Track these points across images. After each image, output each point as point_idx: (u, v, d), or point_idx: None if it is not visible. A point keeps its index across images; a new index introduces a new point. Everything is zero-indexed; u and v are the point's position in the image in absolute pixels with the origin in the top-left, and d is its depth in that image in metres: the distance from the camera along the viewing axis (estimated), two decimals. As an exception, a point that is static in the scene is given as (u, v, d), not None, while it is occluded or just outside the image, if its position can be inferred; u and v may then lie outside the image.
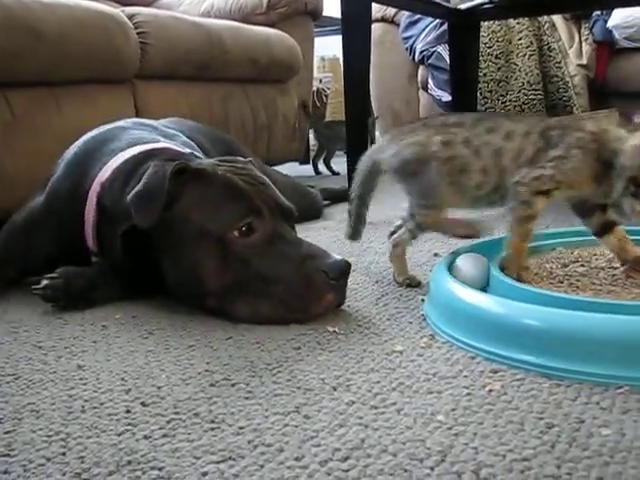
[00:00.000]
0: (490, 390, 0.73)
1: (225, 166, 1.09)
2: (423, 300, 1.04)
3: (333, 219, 1.90)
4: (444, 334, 0.89)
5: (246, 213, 1.01)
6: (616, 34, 3.05)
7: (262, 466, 0.59)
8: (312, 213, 1.96)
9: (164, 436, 0.65)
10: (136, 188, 1.03)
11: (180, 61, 2.39)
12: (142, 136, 1.23)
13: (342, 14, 1.76)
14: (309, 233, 1.68)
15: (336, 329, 0.94)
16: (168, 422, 0.68)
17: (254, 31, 2.76)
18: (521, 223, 0.99)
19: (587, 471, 0.56)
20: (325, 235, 1.67)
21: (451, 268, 1.02)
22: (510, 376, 0.76)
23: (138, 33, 2.22)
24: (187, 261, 1.02)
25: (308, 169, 3.65)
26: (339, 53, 5.32)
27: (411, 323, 0.96)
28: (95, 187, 1.14)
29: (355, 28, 1.77)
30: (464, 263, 1.02)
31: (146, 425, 0.67)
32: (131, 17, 2.24)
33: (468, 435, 0.63)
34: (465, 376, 0.76)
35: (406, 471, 0.57)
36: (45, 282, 1.10)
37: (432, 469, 0.57)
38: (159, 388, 0.76)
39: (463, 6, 2.40)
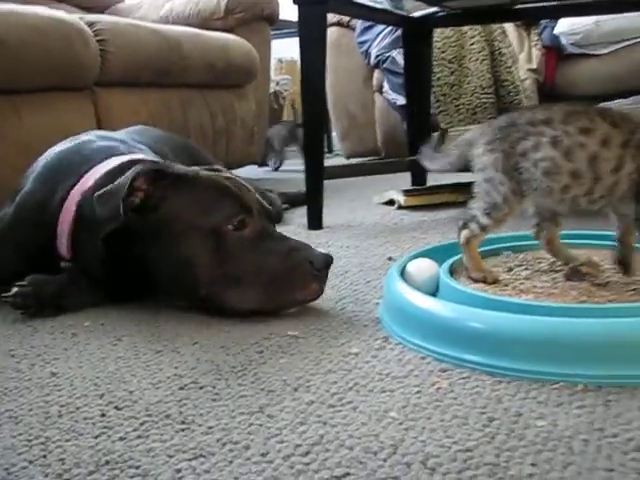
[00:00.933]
0: (438, 388, 0.79)
1: (208, 172, 1.16)
2: (378, 304, 1.11)
3: (293, 223, 1.96)
4: (397, 336, 0.96)
5: (239, 210, 1.09)
6: (563, 40, 3.16)
7: (231, 462, 0.64)
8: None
9: (138, 437, 0.70)
10: (107, 186, 1.09)
11: (140, 68, 2.43)
12: (116, 148, 1.27)
13: (299, 23, 1.81)
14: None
15: (296, 333, 1.00)
16: (141, 424, 0.73)
17: (212, 37, 2.81)
18: None
19: (522, 459, 0.63)
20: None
21: (403, 273, 1.09)
22: (457, 375, 0.82)
23: (98, 41, 2.26)
24: (181, 255, 1.08)
25: (266, 171, 3.70)
26: (296, 55, 5.38)
27: (366, 326, 1.02)
28: (74, 197, 1.17)
29: (312, 37, 1.82)
30: (415, 268, 1.09)
31: (121, 427, 0.72)
32: (91, 25, 2.27)
33: (417, 429, 0.69)
34: (416, 375, 0.83)
35: (361, 463, 0.63)
36: (15, 290, 1.13)
37: (385, 461, 0.63)
38: (131, 392, 0.82)
39: (417, 14, 2.47)
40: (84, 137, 1.33)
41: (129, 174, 1.08)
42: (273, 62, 4.04)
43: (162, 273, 1.11)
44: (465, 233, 1.06)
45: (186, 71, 2.62)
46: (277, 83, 4.55)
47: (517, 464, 0.62)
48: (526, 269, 1.13)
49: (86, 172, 1.20)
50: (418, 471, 0.61)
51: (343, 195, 2.46)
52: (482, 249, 1.19)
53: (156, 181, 1.09)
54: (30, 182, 1.27)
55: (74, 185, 1.19)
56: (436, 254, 1.18)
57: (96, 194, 1.09)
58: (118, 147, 1.28)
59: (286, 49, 4.84)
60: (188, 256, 1.08)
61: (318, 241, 1.65)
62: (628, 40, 3.08)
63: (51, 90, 2.14)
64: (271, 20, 3.26)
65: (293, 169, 3.57)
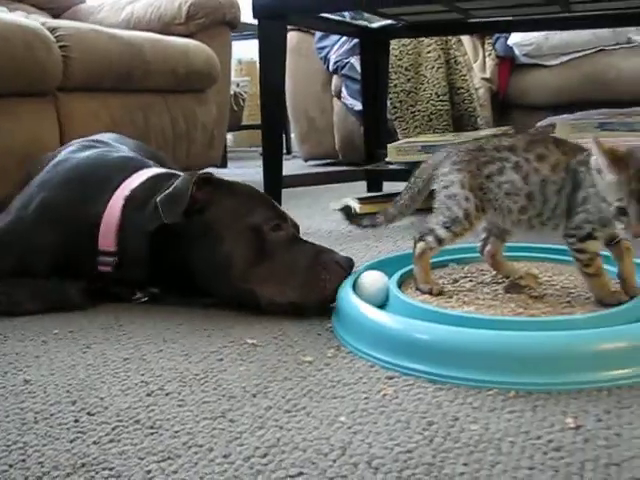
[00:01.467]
0: (384, 394, 0.87)
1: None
2: (331, 314, 1.18)
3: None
4: (348, 345, 1.03)
5: (275, 215, 1.24)
6: (516, 51, 3.27)
7: (196, 463, 0.71)
8: None
9: (111, 441, 0.77)
10: (165, 192, 1.22)
11: (102, 73, 2.47)
12: (137, 160, 1.43)
13: (259, 37, 1.88)
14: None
15: (254, 341, 1.07)
16: (113, 429, 0.79)
17: (173, 42, 2.85)
18: (587, 267, 1.06)
19: (456, 459, 0.71)
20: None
21: (355, 285, 1.17)
22: (402, 382, 0.90)
23: (60, 46, 2.29)
24: (222, 252, 1.21)
25: (226, 172, 3.75)
26: (256, 56, 5.41)
27: (320, 335, 1.09)
28: (117, 201, 1.28)
29: (272, 50, 1.89)
30: (366, 280, 1.17)
31: (94, 432, 0.79)
32: (53, 30, 2.31)
33: (364, 433, 0.77)
34: (364, 382, 0.91)
35: (313, 464, 0.71)
36: None
37: (334, 461, 0.71)
38: (102, 399, 0.88)
39: (375, 25, 2.55)
40: (101, 147, 1.47)
41: (184, 182, 1.21)
42: (233, 63, 4.10)
43: (203, 270, 1.22)
44: (421, 245, 1.15)
45: (148, 76, 2.66)
46: (237, 85, 4.59)
47: (451, 464, 0.70)
48: (470, 281, 1.21)
49: (124, 180, 1.31)
50: (364, 470, 0.69)
51: (301, 201, 2.53)
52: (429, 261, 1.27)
53: (203, 187, 1.23)
54: (54, 188, 1.36)
55: (114, 190, 1.30)
56: (388, 266, 1.26)
57: (158, 199, 1.21)
58: (139, 160, 1.43)
59: (246, 50, 4.90)
60: (229, 252, 1.20)
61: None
62: (577, 52, 3.21)
63: (13, 95, 2.17)
64: (232, 25, 3.30)
65: (252, 171, 3.63)
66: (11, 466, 0.72)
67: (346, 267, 1.21)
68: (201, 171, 1.29)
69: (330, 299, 1.18)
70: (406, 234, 1.88)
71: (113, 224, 1.27)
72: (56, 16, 3.33)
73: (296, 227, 1.32)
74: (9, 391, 0.92)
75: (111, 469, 0.71)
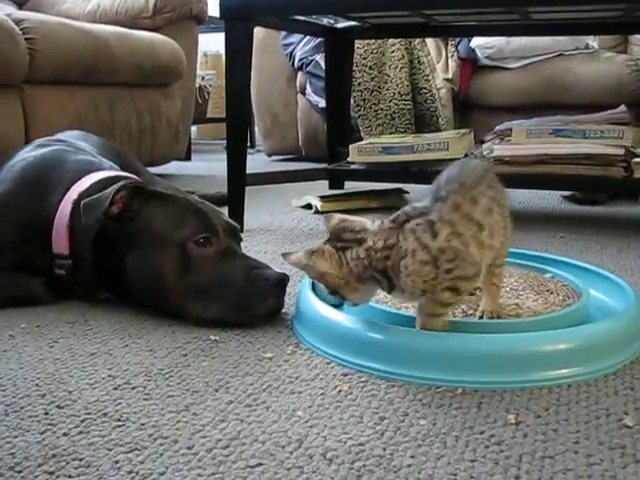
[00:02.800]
0: (340, 390, 0.92)
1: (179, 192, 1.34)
2: (291, 312, 1.23)
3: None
4: (307, 343, 1.08)
5: (204, 228, 1.21)
6: (478, 53, 3.35)
7: (162, 454, 0.76)
8: None
9: (80, 433, 0.81)
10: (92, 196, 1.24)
11: (68, 66, 2.48)
12: (93, 163, 1.43)
13: (226, 38, 1.91)
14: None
15: (217, 338, 1.11)
16: (82, 421, 0.83)
17: (140, 36, 2.87)
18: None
19: (404, 452, 0.76)
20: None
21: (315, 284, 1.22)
22: (357, 379, 0.96)
23: (26, 39, 2.30)
24: (150, 264, 1.21)
25: (190, 166, 3.77)
26: (221, 49, 5.39)
27: (280, 332, 1.14)
28: (67, 203, 1.29)
29: (238, 51, 1.92)
30: None
31: (64, 424, 0.83)
32: (18, 22, 2.32)
33: (320, 427, 0.82)
34: (321, 379, 0.96)
35: (272, 455, 0.75)
36: None
37: (291, 453, 0.76)
38: (70, 392, 0.92)
39: (339, 25, 2.60)
40: (57, 146, 1.47)
41: (113, 188, 1.22)
42: (198, 56, 4.11)
43: (135, 279, 1.23)
44: None
45: (114, 70, 2.68)
46: (202, 78, 4.59)
47: (400, 456, 0.75)
48: (424, 281, 1.26)
49: (75, 182, 1.32)
50: (318, 462, 0.74)
51: (263, 197, 2.57)
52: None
53: (134, 196, 1.23)
54: (8, 183, 1.37)
55: (65, 193, 1.31)
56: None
57: (82, 202, 1.22)
58: (94, 162, 1.44)
59: (211, 43, 4.90)
60: (156, 265, 1.20)
61: (239, 245, 1.76)
62: (537, 56, 3.30)
63: (-22, 87, 2.18)
64: (199, 19, 3.33)
65: (216, 165, 3.65)
66: (-16, 456, 0.76)
67: (276, 284, 1.18)
68: (137, 181, 1.34)
69: (260, 316, 1.18)
70: (366, 233, 1.93)
71: (64, 228, 1.28)
72: (20, 5, 3.32)
73: (236, 235, 1.29)
74: (-21, 384, 0.95)
75: (81, 459, 0.75)
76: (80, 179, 1.33)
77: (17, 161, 1.43)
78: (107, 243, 1.25)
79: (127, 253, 1.23)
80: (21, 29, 2.30)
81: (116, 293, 1.30)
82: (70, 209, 1.29)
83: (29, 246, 1.33)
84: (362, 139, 3.04)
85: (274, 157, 4.04)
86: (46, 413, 0.86)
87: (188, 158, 4.00)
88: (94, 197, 1.23)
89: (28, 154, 1.44)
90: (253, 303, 1.17)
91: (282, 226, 2.06)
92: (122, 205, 1.22)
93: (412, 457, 0.75)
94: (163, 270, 1.20)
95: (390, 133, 3.24)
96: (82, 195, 1.28)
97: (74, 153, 1.45)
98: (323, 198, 2.26)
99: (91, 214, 1.21)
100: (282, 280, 1.19)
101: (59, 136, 1.63)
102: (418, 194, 2.57)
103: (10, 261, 1.33)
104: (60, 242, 1.29)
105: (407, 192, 2.42)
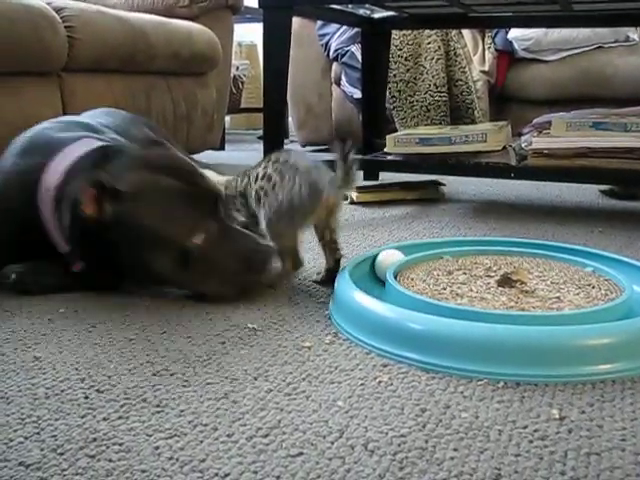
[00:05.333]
0: (380, 381, 0.91)
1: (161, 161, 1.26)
2: (328, 301, 1.22)
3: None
4: (345, 332, 1.07)
5: (198, 222, 1.20)
6: (516, 45, 3.30)
7: (202, 441, 0.75)
8: None
9: (120, 418, 0.81)
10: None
11: (106, 55, 2.49)
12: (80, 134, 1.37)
13: (264, 27, 1.90)
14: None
15: (255, 326, 1.11)
16: (121, 406, 0.83)
17: (177, 25, 2.88)
18: None
19: (447, 444, 0.75)
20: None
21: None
22: (396, 370, 0.95)
23: (65, 27, 2.31)
24: (146, 264, 1.20)
25: (223, 155, 3.78)
26: (256, 39, 5.41)
27: (318, 322, 1.14)
28: (48, 191, 1.26)
29: (276, 41, 1.91)
30: (385, 258, 1.29)
31: (103, 409, 0.83)
32: (58, 11, 2.33)
33: (360, 417, 0.81)
34: (361, 369, 0.95)
35: (313, 445, 0.75)
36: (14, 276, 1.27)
37: (332, 443, 0.75)
38: (109, 377, 0.92)
39: (376, 16, 2.58)
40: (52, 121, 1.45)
41: (74, 186, 1.19)
42: (233, 46, 4.11)
43: (132, 272, 1.25)
44: None
45: (151, 59, 2.69)
46: (237, 68, 4.60)
47: (442, 449, 0.74)
48: (464, 273, 1.25)
49: (57, 155, 1.28)
50: (360, 453, 0.73)
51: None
52: (425, 253, 1.32)
53: (103, 199, 1.16)
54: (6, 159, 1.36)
55: (45, 167, 1.27)
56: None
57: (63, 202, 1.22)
58: (80, 139, 1.34)
59: (246, 33, 4.91)
60: (153, 266, 1.20)
61: (275, 235, 1.76)
62: (575, 49, 3.25)
63: (18, 75, 2.20)
64: (235, 9, 3.34)
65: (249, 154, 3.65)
66: (26, 438, 0.76)
67: (266, 260, 1.22)
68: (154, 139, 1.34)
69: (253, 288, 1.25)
70: (401, 224, 1.93)
71: (51, 224, 1.26)
72: (59, -6, 3.33)
73: (221, 202, 1.27)
74: (20, 367, 0.95)
75: (121, 444, 0.75)
76: (62, 151, 1.29)
77: (18, 138, 1.39)
78: (99, 240, 1.20)
79: (120, 251, 1.20)
80: (61, 17, 2.31)
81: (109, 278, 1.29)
82: (51, 206, 1.26)
83: (28, 241, 1.30)
84: (397, 130, 3.02)
85: (308, 148, 4.03)
86: (86, 397, 0.86)
87: (222, 148, 4.00)
88: (65, 201, 1.21)
89: (26, 133, 1.40)
90: (248, 278, 1.23)
91: (317, 216, 2.05)
92: (95, 206, 1.16)
93: (455, 450, 0.74)
94: (161, 270, 1.21)
95: (425, 125, 3.22)
96: (58, 188, 1.25)
97: (59, 131, 1.38)
98: (359, 189, 2.25)
99: (65, 216, 1.21)
100: (266, 255, 1.22)
101: (83, 114, 1.63)
102: (455, 186, 2.55)
103: (12, 254, 1.31)
104: (55, 238, 1.27)
105: (443, 184, 2.40)
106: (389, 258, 1.30)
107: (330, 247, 1.31)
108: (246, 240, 1.25)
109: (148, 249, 1.19)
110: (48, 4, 2.33)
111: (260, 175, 1.29)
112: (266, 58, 1.91)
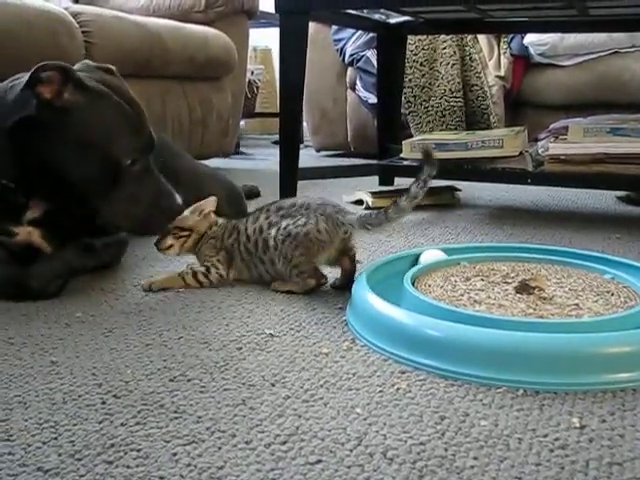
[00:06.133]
0: (398, 388, 0.90)
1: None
2: (344, 307, 1.21)
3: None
4: (362, 339, 1.07)
5: (137, 148, 1.28)
6: (531, 50, 3.29)
7: (220, 448, 0.75)
8: (237, 210, 2.08)
9: (137, 424, 0.80)
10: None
11: (123, 59, 2.48)
12: None
13: (280, 32, 1.90)
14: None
15: (272, 332, 1.11)
16: (139, 412, 0.83)
17: (193, 30, 2.88)
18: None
19: (466, 453, 0.74)
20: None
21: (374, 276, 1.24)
22: (415, 377, 0.94)
23: (83, 32, 2.32)
24: (84, 168, 1.25)
25: (238, 160, 3.78)
26: (270, 44, 5.40)
27: (335, 328, 1.13)
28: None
29: (293, 45, 1.91)
30: (428, 257, 1.34)
31: (121, 414, 0.83)
32: (75, 16, 2.34)
33: (379, 425, 0.80)
34: (378, 376, 0.94)
35: (332, 452, 0.74)
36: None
37: (351, 451, 0.75)
38: (126, 382, 0.92)
39: (392, 21, 2.57)
40: None
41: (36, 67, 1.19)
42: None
43: (64, 177, 1.25)
44: None
45: (167, 64, 2.70)
46: (252, 73, 4.61)
47: (462, 457, 0.73)
48: (481, 280, 1.24)
49: None
50: (379, 460, 0.73)
51: (313, 191, 2.56)
52: (443, 259, 1.31)
53: (65, 80, 1.20)
54: None
55: None
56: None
57: (10, 83, 1.24)
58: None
59: (260, 38, 4.92)
60: (90, 171, 1.25)
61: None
62: (592, 54, 3.23)
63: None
64: (250, 14, 3.34)
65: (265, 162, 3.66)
66: (44, 443, 0.76)
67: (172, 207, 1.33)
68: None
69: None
70: (417, 229, 1.92)
71: None
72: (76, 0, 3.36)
73: (152, 144, 1.33)
74: (37, 371, 0.95)
75: (139, 450, 0.74)
76: None
77: None
78: (32, 135, 1.22)
79: (57, 149, 1.22)
80: (78, 22, 2.32)
81: (42, 196, 1.31)
82: None
83: None
84: (412, 136, 3.02)
85: (323, 153, 4.03)
86: (103, 402, 0.86)
87: (236, 152, 4.01)
88: (20, 79, 1.23)
89: None
90: (153, 222, 1.33)
91: (333, 221, 2.04)
92: (55, 89, 1.19)
93: (475, 459, 0.73)
94: (96, 178, 1.25)
95: (440, 130, 3.21)
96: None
97: None
98: (374, 194, 2.24)
99: (17, 95, 1.20)
100: (176, 207, 1.34)
101: None
102: (470, 192, 2.55)
103: None
104: None
105: (459, 190, 2.39)
106: (431, 258, 1.34)
107: (345, 251, 1.31)
108: (163, 186, 1.32)
109: (90, 151, 1.23)
110: (65, 9, 2.35)
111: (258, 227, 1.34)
112: (283, 63, 1.91)
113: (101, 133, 1.23)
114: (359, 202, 2.31)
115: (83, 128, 1.22)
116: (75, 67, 1.29)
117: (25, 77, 1.21)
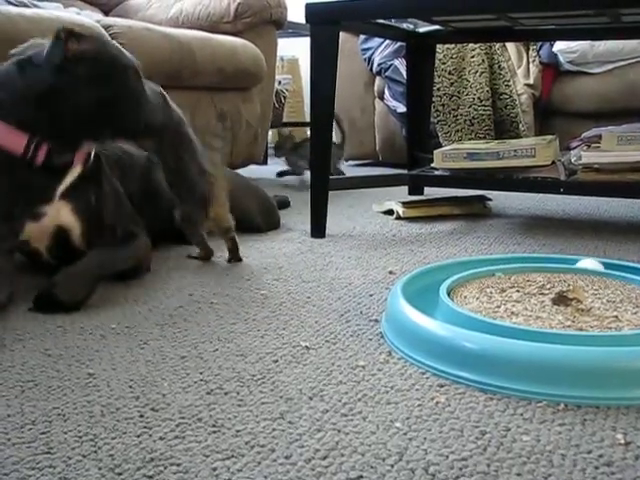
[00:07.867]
0: (437, 402, 0.89)
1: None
2: (380, 319, 1.21)
3: (296, 229, 2.05)
4: (399, 351, 1.06)
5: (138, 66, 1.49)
6: (561, 58, 3.26)
7: (259, 463, 0.74)
8: (271, 221, 2.09)
9: (176, 437, 0.80)
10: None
11: (153, 71, 2.49)
12: None
13: (311, 42, 1.90)
14: (274, 244, 1.83)
15: (307, 344, 1.10)
16: (177, 425, 0.83)
17: (222, 41, 2.90)
18: None
19: (509, 469, 0.73)
20: (289, 247, 1.81)
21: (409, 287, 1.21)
22: (453, 390, 0.93)
23: (114, 44, 2.34)
24: (116, 90, 1.40)
25: (266, 170, 3.78)
26: (298, 54, 5.40)
27: (371, 340, 1.12)
28: None
29: (324, 55, 1.91)
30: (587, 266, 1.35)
31: (159, 428, 0.82)
32: (107, 28, 2.36)
33: (419, 439, 0.79)
34: (417, 389, 0.93)
35: (372, 467, 0.73)
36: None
37: (392, 466, 0.74)
38: (164, 395, 0.91)
39: (421, 30, 2.57)
40: None
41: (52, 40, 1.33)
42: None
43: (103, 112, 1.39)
44: None
45: (196, 75, 2.71)
46: (279, 82, 4.62)
47: (505, 473, 0.72)
48: (517, 291, 1.23)
49: None
50: (421, 476, 0.72)
51: (342, 200, 2.56)
52: (476, 270, 1.30)
53: (78, 36, 1.33)
54: None
55: None
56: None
57: (18, 58, 1.37)
58: None
59: (288, 48, 4.92)
60: (120, 92, 1.43)
61: (322, 251, 1.76)
62: (622, 61, 3.20)
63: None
64: (279, 24, 3.34)
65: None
66: (84, 457, 0.76)
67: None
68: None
69: None
70: (449, 239, 1.91)
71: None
72: (106, 12, 3.39)
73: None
74: (75, 384, 0.95)
75: (178, 465, 0.74)
76: None
77: None
78: (69, 87, 1.34)
79: (92, 87, 1.36)
80: (110, 34, 2.34)
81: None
82: None
83: None
84: (441, 145, 3.01)
85: (351, 162, 4.03)
86: (141, 416, 0.86)
87: (265, 162, 4.01)
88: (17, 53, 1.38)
89: None
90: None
91: (364, 232, 2.04)
92: (74, 43, 1.32)
93: (518, 475, 0.72)
94: (131, 94, 1.44)
95: (469, 139, 3.20)
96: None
97: None
98: (405, 204, 2.23)
99: (37, 57, 1.34)
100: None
101: None
102: (500, 201, 2.53)
103: None
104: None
105: (490, 199, 2.38)
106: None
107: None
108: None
109: (116, 76, 1.39)
110: (97, 21, 2.37)
111: None
112: (314, 72, 1.91)
113: (115, 62, 1.40)
114: (389, 212, 2.30)
115: (102, 63, 1.37)
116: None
117: (47, 43, 1.34)
